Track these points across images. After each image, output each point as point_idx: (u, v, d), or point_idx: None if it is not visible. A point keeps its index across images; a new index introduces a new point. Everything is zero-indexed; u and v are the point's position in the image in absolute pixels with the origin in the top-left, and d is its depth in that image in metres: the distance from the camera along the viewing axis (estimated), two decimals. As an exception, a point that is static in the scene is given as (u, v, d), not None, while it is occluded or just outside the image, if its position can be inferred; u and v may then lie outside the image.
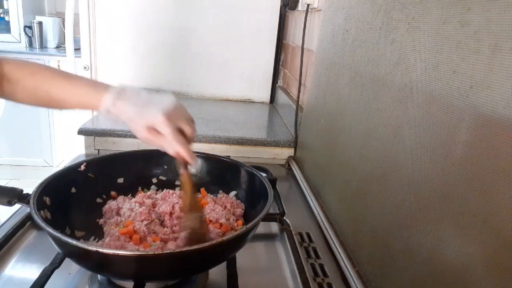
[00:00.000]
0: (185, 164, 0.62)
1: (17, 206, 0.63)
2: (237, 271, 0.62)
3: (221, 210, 0.69)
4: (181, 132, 0.59)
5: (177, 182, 0.79)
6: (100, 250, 0.48)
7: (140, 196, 0.73)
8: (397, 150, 0.56)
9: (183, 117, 0.60)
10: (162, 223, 0.67)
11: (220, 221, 0.67)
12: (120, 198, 0.74)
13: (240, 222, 0.70)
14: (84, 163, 0.71)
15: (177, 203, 0.70)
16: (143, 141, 0.59)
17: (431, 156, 0.48)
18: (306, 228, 0.82)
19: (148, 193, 0.76)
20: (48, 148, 3.00)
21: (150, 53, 1.66)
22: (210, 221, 0.68)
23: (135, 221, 0.65)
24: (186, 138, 0.59)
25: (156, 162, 0.80)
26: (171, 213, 0.68)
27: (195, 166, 0.62)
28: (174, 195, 0.73)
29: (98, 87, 0.59)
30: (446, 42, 0.47)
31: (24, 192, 0.62)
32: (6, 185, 0.62)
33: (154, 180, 0.79)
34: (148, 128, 0.57)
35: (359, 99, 0.72)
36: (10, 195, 0.61)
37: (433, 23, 0.50)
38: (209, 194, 0.77)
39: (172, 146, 0.58)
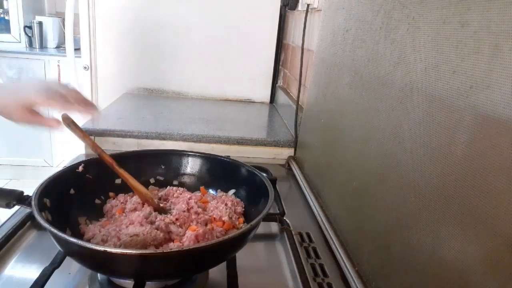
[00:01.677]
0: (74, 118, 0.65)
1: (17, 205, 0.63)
2: (237, 271, 0.62)
3: (224, 208, 0.69)
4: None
5: (175, 182, 0.79)
6: (109, 250, 0.48)
7: None
8: (397, 150, 0.56)
9: (56, 89, 0.64)
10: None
11: (223, 219, 0.67)
12: (121, 196, 0.74)
13: (241, 220, 0.70)
14: (82, 164, 0.70)
15: (190, 198, 0.70)
16: (20, 122, 0.63)
17: (431, 156, 0.48)
18: (306, 228, 0.82)
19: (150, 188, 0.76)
20: (48, 148, 3.00)
21: (150, 53, 1.66)
22: (214, 219, 0.68)
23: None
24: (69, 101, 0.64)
25: (154, 162, 0.80)
26: (188, 210, 0.68)
27: (98, 115, 0.68)
28: (179, 190, 0.73)
29: None
30: (446, 42, 0.47)
31: (24, 193, 0.62)
32: (5, 186, 0.62)
33: (152, 180, 0.79)
34: (22, 108, 0.61)
35: (359, 99, 0.72)
36: (8, 197, 0.61)
37: (433, 23, 0.50)
38: (209, 192, 0.77)
39: (63, 107, 0.62)
